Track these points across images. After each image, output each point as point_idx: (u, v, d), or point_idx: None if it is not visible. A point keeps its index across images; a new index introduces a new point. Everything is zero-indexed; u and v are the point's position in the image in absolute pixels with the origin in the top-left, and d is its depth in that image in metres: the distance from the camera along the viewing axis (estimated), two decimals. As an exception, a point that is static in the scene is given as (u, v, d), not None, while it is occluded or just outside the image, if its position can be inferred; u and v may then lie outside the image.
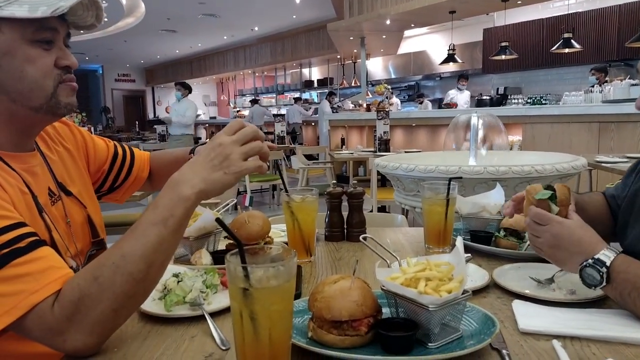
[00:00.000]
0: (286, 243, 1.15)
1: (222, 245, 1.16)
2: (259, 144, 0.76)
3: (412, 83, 11.88)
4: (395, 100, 9.61)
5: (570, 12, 8.00)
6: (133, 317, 0.78)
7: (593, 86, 5.99)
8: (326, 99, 9.76)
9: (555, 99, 7.33)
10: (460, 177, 1.14)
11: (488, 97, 8.73)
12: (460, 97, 8.43)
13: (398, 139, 6.83)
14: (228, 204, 1.28)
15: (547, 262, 0.91)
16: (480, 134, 2.60)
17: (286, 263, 0.60)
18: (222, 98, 19.31)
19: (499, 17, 8.96)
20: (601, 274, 0.77)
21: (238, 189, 4.71)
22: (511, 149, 5.31)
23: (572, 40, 7.06)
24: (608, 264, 0.77)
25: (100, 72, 18.65)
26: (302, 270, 0.99)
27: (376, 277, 0.70)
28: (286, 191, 1.10)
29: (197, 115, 9.20)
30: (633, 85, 4.84)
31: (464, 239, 1.22)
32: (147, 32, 12.38)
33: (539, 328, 0.72)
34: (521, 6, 7.98)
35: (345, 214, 1.31)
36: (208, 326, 0.76)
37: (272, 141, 7.42)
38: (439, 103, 10.98)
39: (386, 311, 0.72)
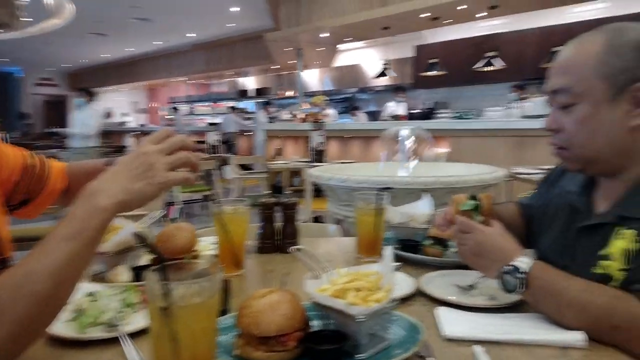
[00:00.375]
0: (216, 256, 1.11)
1: (146, 261, 1.10)
2: (187, 154, 0.72)
3: (348, 95, 12.14)
4: (330, 111, 9.76)
5: (493, 32, 8.59)
6: (41, 341, 0.72)
7: (513, 102, 6.44)
8: (263, 108, 9.70)
9: (477, 113, 7.80)
10: (391, 188, 1.16)
11: (418, 111, 9.11)
12: (399, 109, 8.59)
13: (333, 149, 6.93)
14: (154, 216, 1.22)
15: (471, 268, 0.95)
16: (410, 146, 2.70)
17: (210, 278, 0.57)
18: (152, 105, 18.62)
19: (429, 35, 9.43)
20: (518, 280, 0.81)
21: (167, 200, 4.54)
22: (439, 160, 5.57)
23: (495, 59, 7.57)
24: (525, 270, 0.82)
25: (21, 75, 17.30)
26: (231, 285, 0.96)
27: (305, 290, 0.70)
28: (217, 202, 1.07)
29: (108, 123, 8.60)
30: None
31: (393, 248, 1.27)
32: (75, 35, 11.67)
33: (461, 334, 0.75)
34: (450, 25, 8.45)
35: (279, 225, 1.30)
36: (126, 349, 0.71)
37: (204, 150, 7.26)
38: (374, 115, 11.32)
39: (317, 324, 0.71)
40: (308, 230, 1.64)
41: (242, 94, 14.34)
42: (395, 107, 8.44)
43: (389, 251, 0.75)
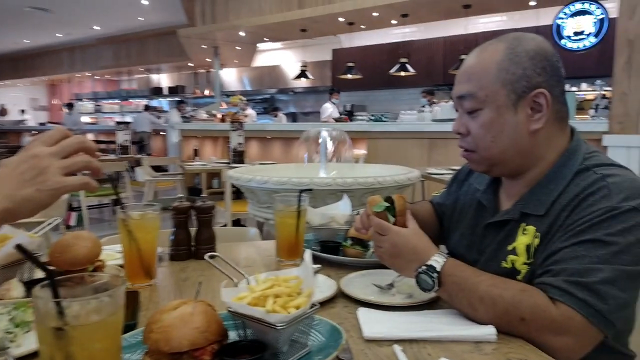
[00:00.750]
0: (122, 266, 1.02)
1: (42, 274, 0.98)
2: (86, 157, 0.64)
3: (267, 96, 12.07)
4: (250, 112, 9.62)
5: (405, 39, 9.01)
6: None
7: (424, 106, 6.79)
8: (176, 107, 9.28)
9: (393, 116, 8.13)
10: (311, 190, 1.14)
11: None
12: (334, 110, 8.43)
13: (253, 150, 6.83)
14: (50, 224, 1.09)
15: (390, 268, 0.96)
16: (330, 147, 2.72)
17: (112, 293, 0.51)
18: (54, 102, 17.12)
19: (346, 39, 9.66)
20: (433, 279, 0.84)
21: (71, 205, 4.17)
22: (357, 161, 5.71)
23: (407, 65, 7.94)
24: (438, 269, 0.84)
25: None
26: (140, 296, 0.88)
27: (221, 299, 0.65)
28: (122, 207, 0.98)
29: None
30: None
31: (313, 249, 1.25)
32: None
33: (381, 334, 0.75)
34: (365, 30, 8.72)
35: (194, 230, 1.23)
36: (13, 376, 0.62)
37: (114, 151, 6.79)
38: (294, 116, 11.35)
39: (234, 334, 0.67)
40: (227, 235, 1.58)
41: (155, 92, 13.68)
42: (333, 109, 8.31)
43: (308, 255, 0.73)
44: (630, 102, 4.38)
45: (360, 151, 5.79)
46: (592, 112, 5.06)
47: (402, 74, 8.17)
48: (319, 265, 1.08)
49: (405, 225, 0.93)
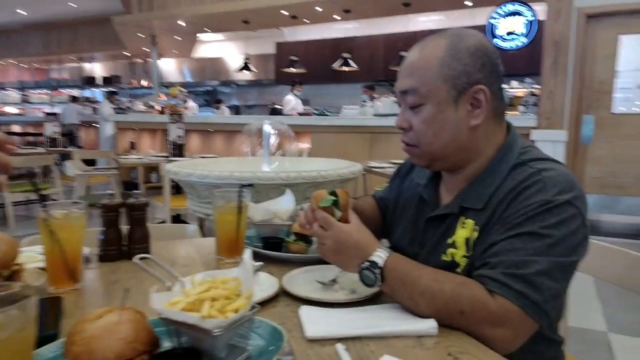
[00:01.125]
0: (43, 269, 0.93)
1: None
2: None
3: (209, 88, 11.75)
4: (192, 104, 9.32)
5: (348, 35, 9.08)
6: None
7: (365, 101, 6.88)
8: (107, 99, 8.77)
9: (336, 111, 8.19)
10: (252, 185, 1.10)
11: (280, 107, 9.21)
12: (298, 103, 8.15)
13: (194, 144, 6.63)
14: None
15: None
16: (273, 141, 2.68)
17: (22, 305, 0.45)
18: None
19: (290, 33, 9.59)
20: (375, 274, 0.83)
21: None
22: (301, 155, 5.70)
23: (350, 60, 8.01)
24: (381, 264, 0.83)
25: None
26: (63, 303, 0.81)
27: (151, 306, 0.60)
28: (43, 205, 0.89)
29: None
30: (395, 102, 5.74)
31: (255, 246, 1.22)
32: None
33: (323, 333, 0.73)
34: (309, 25, 8.69)
35: (126, 228, 1.15)
36: None
37: (42, 144, 6.32)
38: (237, 109, 11.13)
39: (168, 343, 0.63)
40: (164, 232, 1.50)
41: (88, 82, 12.92)
42: (296, 101, 8.03)
43: (247, 254, 0.70)
44: (556, 100, 4.67)
45: (304, 145, 5.78)
46: (521, 108, 5.34)
47: (345, 69, 8.25)
48: (261, 263, 1.04)
49: (348, 221, 0.91)
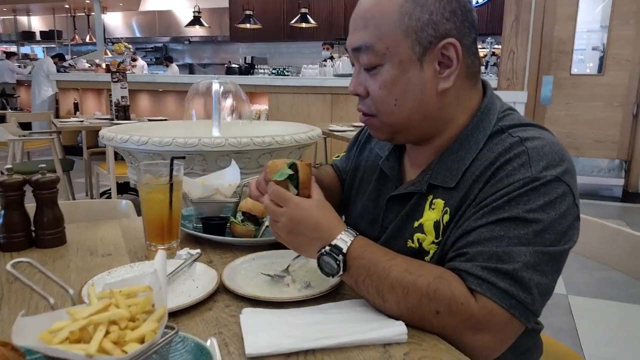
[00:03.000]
0: None
1: None
2: None
3: (159, 45, 11.06)
4: (141, 62, 8.72)
5: (306, -11, 8.61)
6: None
7: (325, 60, 6.61)
8: (48, 54, 8.05)
9: (296, 71, 7.87)
10: (184, 157, 0.92)
11: (237, 66, 8.78)
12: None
13: (144, 105, 6.22)
14: None
15: (287, 248, 0.79)
16: (229, 103, 2.45)
17: None
18: None
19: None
20: (338, 262, 0.68)
21: None
22: (259, 118, 5.45)
23: (308, 16, 7.64)
24: (344, 250, 0.69)
25: None
26: None
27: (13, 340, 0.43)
28: None
29: None
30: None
31: (195, 228, 1.04)
32: None
33: (267, 349, 0.58)
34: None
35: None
36: None
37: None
38: (190, 67, 10.54)
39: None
40: (88, 210, 1.30)
41: (25, 37, 11.88)
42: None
43: (160, 256, 0.53)
44: (517, 60, 4.60)
45: (262, 107, 5.52)
46: (482, 68, 5.27)
47: (303, 25, 7.87)
48: (197, 251, 0.88)
49: (309, 197, 0.75)
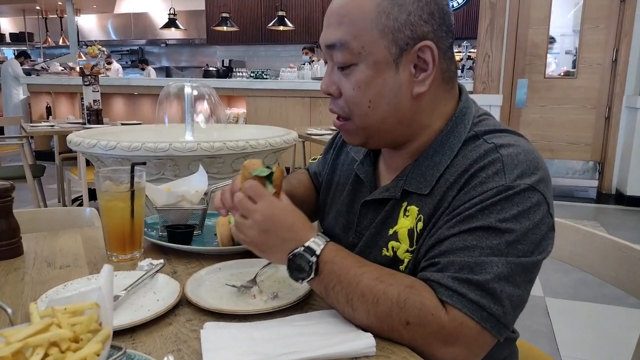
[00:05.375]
0: None
1: None
2: None
3: (135, 48, 10.87)
4: (116, 65, 8.57)
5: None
6: None
7: (304, 64, 6.60)
8: (15, 58, 7.82)
9: (274, 74, 7.83)
10: (144, 163, 0.88)
11: (215, 69, 8.69)
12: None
13: (119, 109, 6.09)
14: None
15: (254, 256, 0.75)
16: (203, 106, 2.40)
17: None
18: None
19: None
20: (310, 264, 0.65)
21: None
22: (237, 121, 5.39)
23: (285, 19, 7.61)
24: (318, 252, 0.66)
25: None
26: None
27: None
28: None
29: None
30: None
31: (160, 237, 1.00)
32: None
33: (229, 368, 0.55)
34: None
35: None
36: None
37: None
38: (167, 71, 10.39)
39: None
40: (54, 218, 1.24)
41: (-5, 39, 11.52)
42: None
43: (105, 271, 0.49)
44: (492, 63, 4.67)
45: (240, 110, 5.47)
46: (458, 72, 5.34)
47: (281, 28, 7.84)
48: (160, 261, 0.84)
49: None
